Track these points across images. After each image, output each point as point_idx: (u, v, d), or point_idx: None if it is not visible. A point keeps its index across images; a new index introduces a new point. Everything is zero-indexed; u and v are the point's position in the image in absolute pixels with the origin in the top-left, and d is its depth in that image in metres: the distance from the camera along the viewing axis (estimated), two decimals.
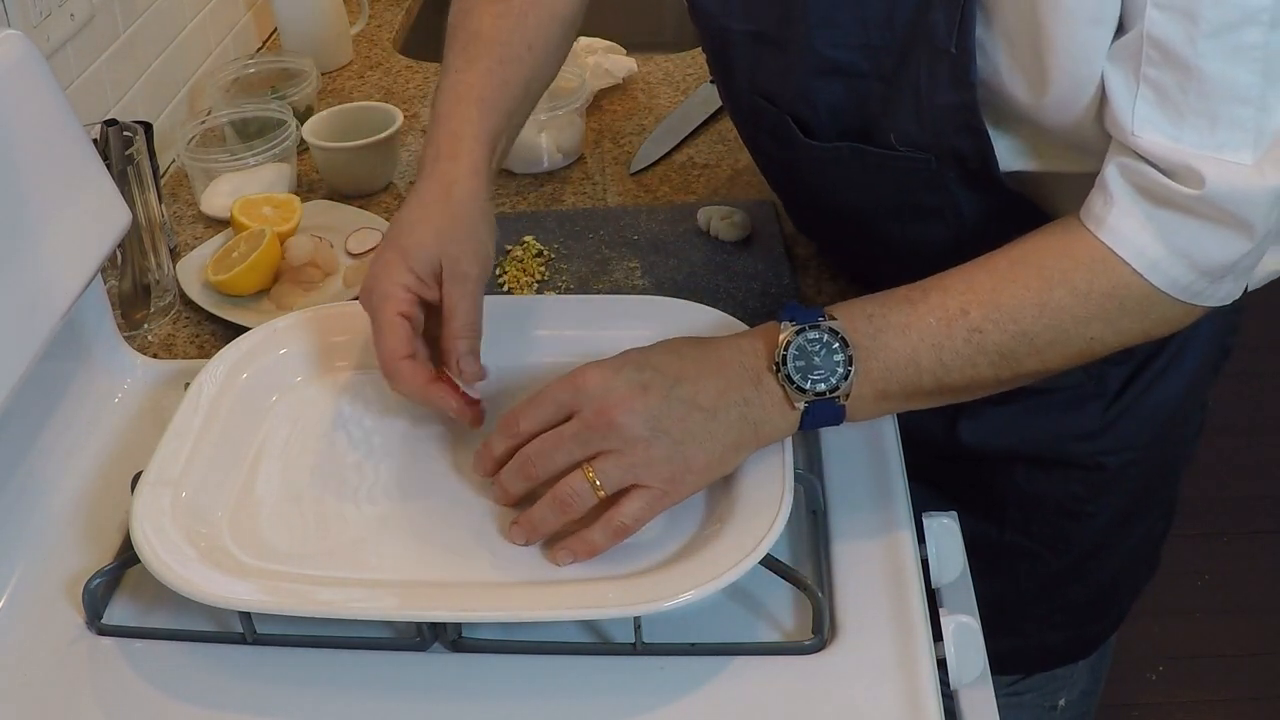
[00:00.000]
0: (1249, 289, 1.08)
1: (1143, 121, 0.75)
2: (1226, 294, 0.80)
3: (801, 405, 0.78)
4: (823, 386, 0.77)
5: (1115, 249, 0.77)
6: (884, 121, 0.89)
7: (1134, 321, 0.79)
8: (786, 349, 0.77)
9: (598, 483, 0.76)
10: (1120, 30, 0.76)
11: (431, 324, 0.87)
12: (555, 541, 0.78)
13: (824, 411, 0.78)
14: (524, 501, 0.81)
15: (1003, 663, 0.84)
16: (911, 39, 0.84)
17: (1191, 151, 0.74)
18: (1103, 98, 0.78)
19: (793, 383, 0.77)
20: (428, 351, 0.87)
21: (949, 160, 0.87)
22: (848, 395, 0.78)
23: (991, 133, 0.85)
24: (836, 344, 0.77)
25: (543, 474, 0.78)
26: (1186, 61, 0.73)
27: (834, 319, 0.78)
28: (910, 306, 0.79)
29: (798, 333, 0.78)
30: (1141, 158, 0.76)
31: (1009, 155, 0.87)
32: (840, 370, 0.77)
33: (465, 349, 0.84)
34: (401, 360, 0.84)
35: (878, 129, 0.89)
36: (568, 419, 0.78)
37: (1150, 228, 0.76)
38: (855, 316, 0.79)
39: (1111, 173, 0.77)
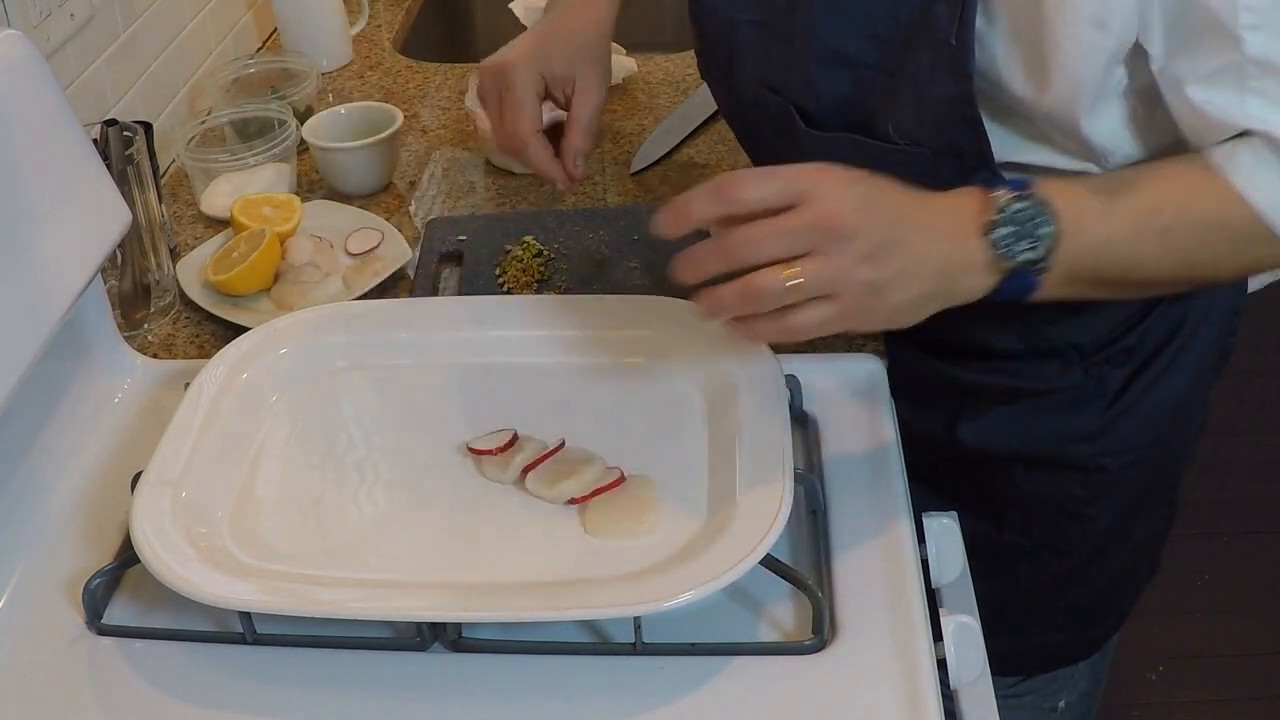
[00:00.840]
0: (1249, 290, 1.08)
1: (1266, 119, 0.78)
2: None
3: (1002, 270, 0.78)
4: (1030, 255, 0.77)
5: (1254, 201, 0.80)
6: (884, 113, 0.89)
7: (1275, 255, 0.84)
8: (999, 214, 0.77)
9: (797, 282, 0.73)
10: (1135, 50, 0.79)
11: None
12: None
13: (1020, 281, 0.78)
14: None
15: (1003, 664, 0.84)
16: (915, 31, 0.84)
17: None
18: (1114, 99, 0.81)
19: (1002, 248, 0.77)
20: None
21: (945, 154, 0.88)
22: (1046, 269, 0.78)
23: (989, 126, 0.86)
24: (1044, 217, 0.77)
25: (749, 260, 0.74)
26: None
27: (1046, 193, 0.78)
28: (1110, 195, 0.80)
29: (1013, 199, 0.78)
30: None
31: (1006, 149, 0.87)
32: (1046, 244, 0.77)
33: (582, 149, 1.00)
34: (535, 134, 0.99)
35: (878, 121, 0.90)
36: (786, 209, 0.74)
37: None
38: (1063, 194, 0.79)
39: (1254, 139, 0.79)
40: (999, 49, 0.82)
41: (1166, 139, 0.86)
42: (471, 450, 0.87)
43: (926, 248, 0.76)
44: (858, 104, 0.90)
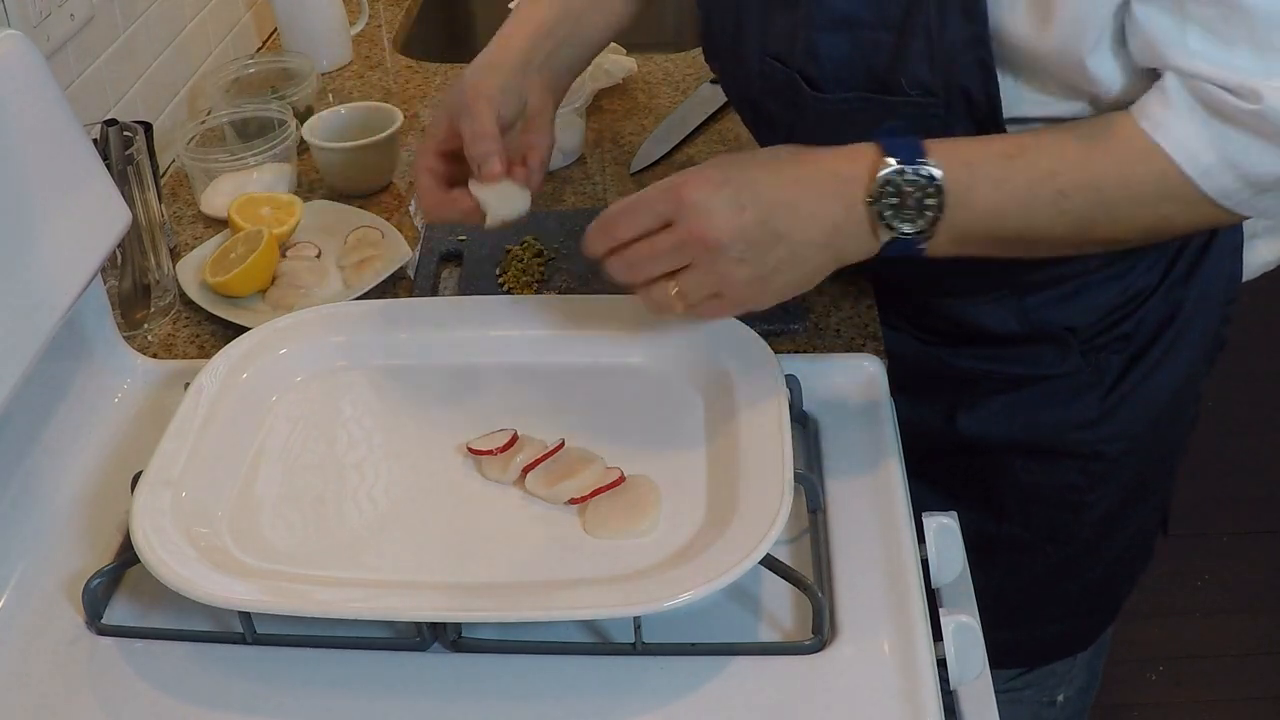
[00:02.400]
0: (1244, 279, 1.09)
1: (1193, 54, 0.77)
2: (1266, 208, 0.82)
3: (886, 238, 0.81)
4: (909, 229, 0.80)
5: (1169, 151, 0.79)
6: (893, 69, 0.89)
7: (1199, 212, 0.82)
8: (885, 186, 0.79)
9: (679, 294, 0.81)
10: None
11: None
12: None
13: (905, 247, 0.81)
14: None
15: (1001, 656, 0.85)
16: None
17: (1245, 72, 0.76)
18: (1118, 38, 0.80)
19: (883, 219, 0.80)
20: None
21: (958, 104, 0.88)
22: (930, 238, 0.81)
23: (1000, 73, 0.86)
24: (932, 189, 0.79)
25: (636, 279, 0.83)
26: None
27: (934, 163, 0.80)
28: (1006, 161, 0.81)
29: (898, 172, 0.79)
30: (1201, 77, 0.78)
31: (1010, 100, 0.88)
32: (930, 215, 0.79)
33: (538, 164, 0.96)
34: (494, 141, 0.92)
35: (887, 78, 0.90)
36: (665, 226, 0.81)
37: (1205, 135, 0.78)
38: (954, 161, 0.80)
39: (1172, 80, 0.79)
40: None
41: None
42: (471, 450, 0.87)
43: (808, 226, 0.80)
44: (862, 64, 0.91)
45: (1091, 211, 0.81)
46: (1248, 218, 0.84)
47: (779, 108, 0.99)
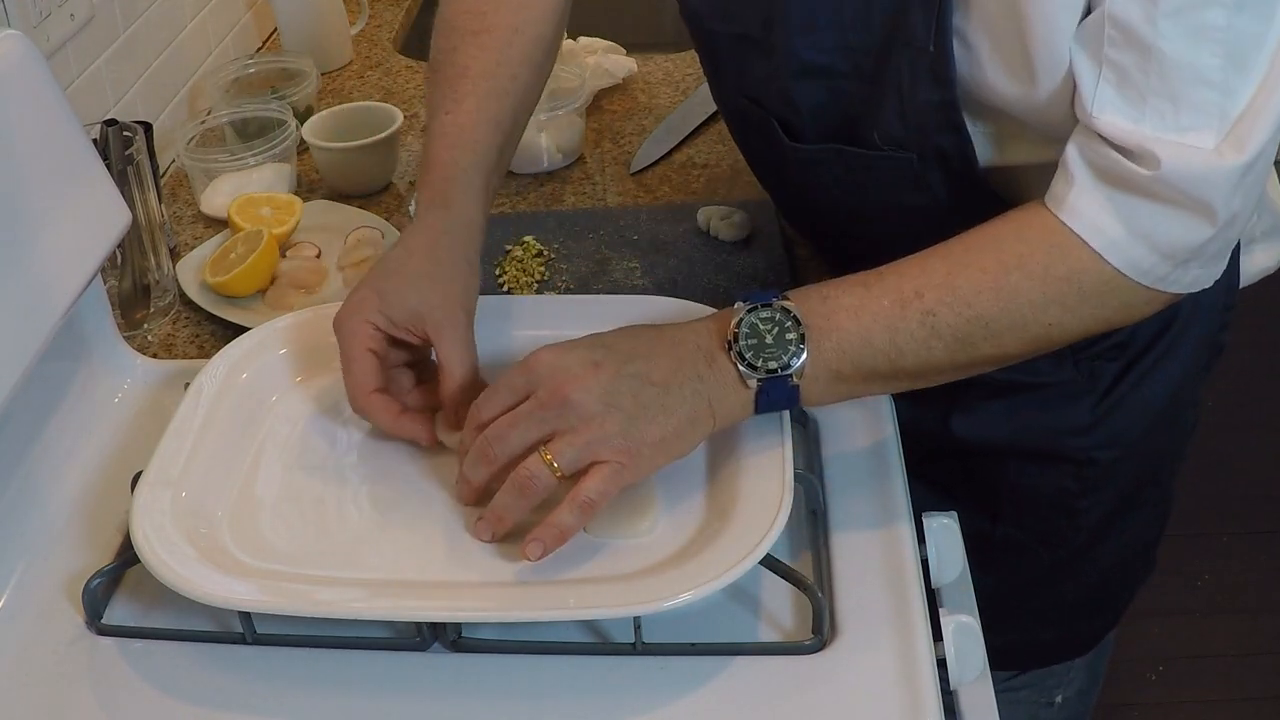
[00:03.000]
0: (1240, 285, 1.08)
1: (1103, 103, 0.75)
2: (1193, 280, 0.79)
3: (754, 383, 0.78)
4: (774, 365, 0.77)
5: (1075, 229, 0.76)
6: (867, 121, 0.89)
7: (1094, 308, 0.79)
8: (739, 327, 0.78)
9: (555, 464, 0.76)
10: (1087, 13, 0.76)
11: (407, 374, 0.89)
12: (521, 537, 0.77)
13: (777, 391, 0.78)
14: (487, 499, 0.80)
15: (997, 658, 0.85)
16: (890, 39, 0.84)
17: (1150, 134, 0.74)
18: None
19: (745, 360, 0.78)
20: (412, 379, 0.89)
21: (931, 159, 0.88)
22: (800, 375, 0.78)
23: (978, 127, 0.86)
24: (789, 323, 0.78)
25: (500, 456, 0.78)
26: (1147, 41, 0.72)
27: (788, 300, 0.79)
28: (865, 289, 0.79)
29: (750, 311, 0.78)
30: (1102, 139, 0.76)
31: (993, 149, 0.87)
32: (792, 349, 0.77)
33: (457, 400, 0.85)
34: (371, 395, 0.85)
35: (861, 129, 0.90)
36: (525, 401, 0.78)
37: (1110, 208, 0.76)
38: (810, 298, 0.79)
39: (1072, 153, 0.77)
40: (982, 49, 0.81)
41: None
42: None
43: (670, 375, 0.77)
44: (838, 114, 0.90)
45: (967, 328, 0.78)
46: (1171, 300, 0.80)
47: (760, 146, 0.99)
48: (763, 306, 0.78)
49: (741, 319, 0.78)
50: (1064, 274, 0.77)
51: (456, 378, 0.85)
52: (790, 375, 0.78)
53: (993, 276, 0.77)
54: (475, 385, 0.85)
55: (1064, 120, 0.81)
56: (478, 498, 0.81)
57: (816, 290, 0.80)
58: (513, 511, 0.78)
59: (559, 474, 0.76)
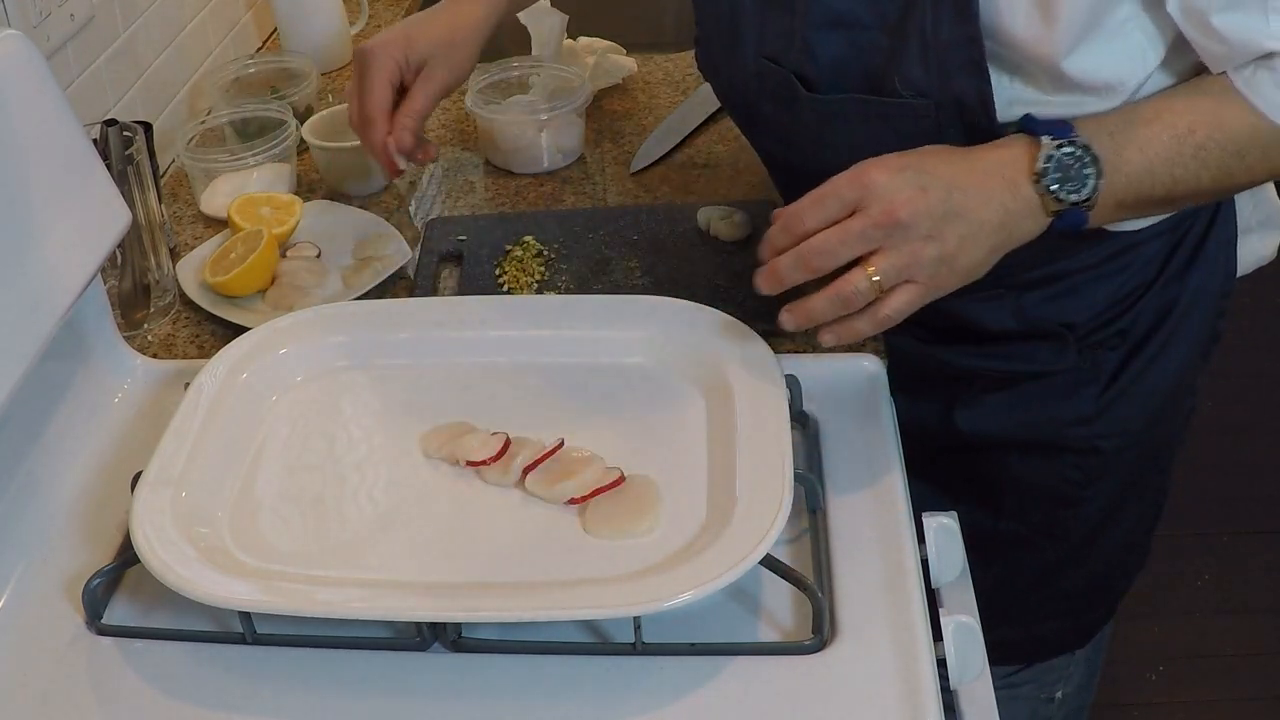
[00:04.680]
0: (1238, 275, 1.09)
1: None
2: None
3: (1053, 212, 0.84)
4: (1075, 198, 0.83)
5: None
6: (887, 69, 0.90)
7: None
8: (1047, 162, 0.83)
9: (876, 278, 0.81)
10: None
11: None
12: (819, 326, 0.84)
13: (1074, 217, 0.84)
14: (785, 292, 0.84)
15: (998, 652, 0.85)
16: None
17: None
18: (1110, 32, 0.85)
19: (1051, 193, 0.83)
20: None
21: (950, 108, 0.89)
22: (1093, 206, 0.84)
23: (994, 77, 0.88)
24: (1089, 159, 0.83)
25: (825, 267, 0.82)
26: None
27: (1083, 135, 0.84)
28: (1146, 126, 0.85)
29: (1057, 146, 0.83)
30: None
31: (1003, 102, 0.89)
32: (1091, 184, 0.83)
33: (410, 125, 1.08)
34: (381, 112, 1.07)
35: (881, 79, 0.91)
36: (849, 216, 0.81)
37: None
38: (1100, 133, 0.85)
39: (1262, 76, 0.84)
40: None
41: (1165, 73, 0.89)
42: (469, 464, 0.87)
43: (983, 208, 0.83)
44: (857, 65, 0.92)
45: (1230, 160, 0.85)
46: None
47: (773, 109, 0.99)
48: (1067, 143, 0.83)
49: (1050, 154, 0.83)
50: None
51: (406, 110, 1.08)
52: (1088, 205, 0.84)
53: (1249, 114, 0.85)
54: (416, 127, 1.09)
55: (1072, 65, 0.86)
56: (781, 287, 0.84)
57: (1101, 124, 0.85)
58: (828, 316, 0.83)
59: (879, 288, 0.81)
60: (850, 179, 0.82)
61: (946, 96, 0.89)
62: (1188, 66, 0.89)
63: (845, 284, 0.81)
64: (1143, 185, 0.85)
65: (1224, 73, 0.85)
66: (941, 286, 0.83)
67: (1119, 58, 0.87)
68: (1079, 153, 0.83)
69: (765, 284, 0.84)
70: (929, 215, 0.80)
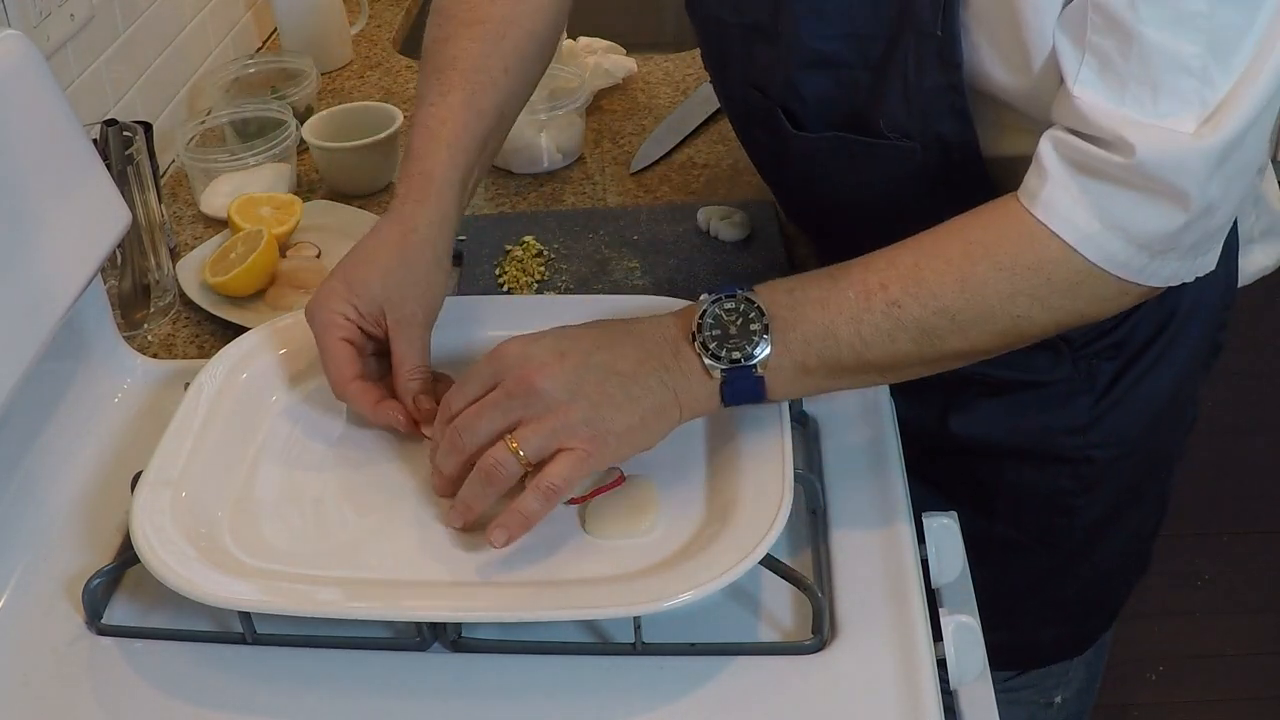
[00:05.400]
0: (1239, 285, 1.09)
1: (1084, 85, 0.75)
2: (1171, 274, 0.78)
3: (719, 374, 0.78)
4: (738, 355, 0.78)
5: (1048, 223, 0.76)
6: (872, 110, 0.90)
7: (1065, 299, 0.78)
8: (703, 317, 0.79)
9: (520, 451, 0.76)
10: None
11: (382, 362, 0.90)
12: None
13: (742, 382, 0.78)
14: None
15: (995, 657, 0.85)
16: (898, 26, 0.85)
17: (1129, 118, 0.73)
18: None
19: (709, 350, 0.78)
20: (384, 366, 0.90)
21: (934, 148, 0.88)
22: (765, 366, 0.78)
23: (979, 116, 0.86)
24: (753, 313, 0.78)
25: (469, 445, 0.78)
26: (1128, 27, 0.72)
27: (753, 292, 0.79)
28: (831, 281, 0.79)
29: (714, 302, 0.79)
30: (1073, 131, 0.76)
31: (992, 141, 0.88)
32: (756, 340, 0.78)
33: (417, 389, 0.87)
34: (351, 382, 0.87)
35: (866, 118, 0.90)
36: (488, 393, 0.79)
37: (1084, 200, 0.75)
38: (775, 291, 0.80)
39: (1045, 147, 0.77)
40: (980, 39, 0.82)
41: None
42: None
43: (636, 366, 0.78)
44: (843, 104, 0.91)
45: (933, 320, 0.77)
46: (1147, 294, 0.79)
47: (763, 136, 0.99)
48: (727, 298, 0.79)
49: (706, 310, 0.79)
50: (1032, 264, 0.76)
51: (403, 375, 0.87)
52: (754, 366, 0.78)
53: (958, 267, 0.77)
54: (425, 384, 0.87)
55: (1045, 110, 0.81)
56: (453, 489, 0.81)
57: (784, 284, 0.80)
58: (480, 499, 0.78)
59: (525, 461, 0.77)
60: (487, 358, 0.80)
61: (930, 138, 0.88)
62: None
63: (486, 459, 0.77)
64: (825, 347, 0.78)
65: (999, 200, 0.78)
66: (603, 449, 0.77)
67: None
68: (741, 307, 0.78)
69: (435, 487, 0.82)
70: (566, 378, 0.77)
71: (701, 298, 0.80)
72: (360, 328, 0.87)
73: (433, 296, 0.89)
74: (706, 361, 0.78)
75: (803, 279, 0.81)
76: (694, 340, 0.79)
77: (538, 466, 0.77)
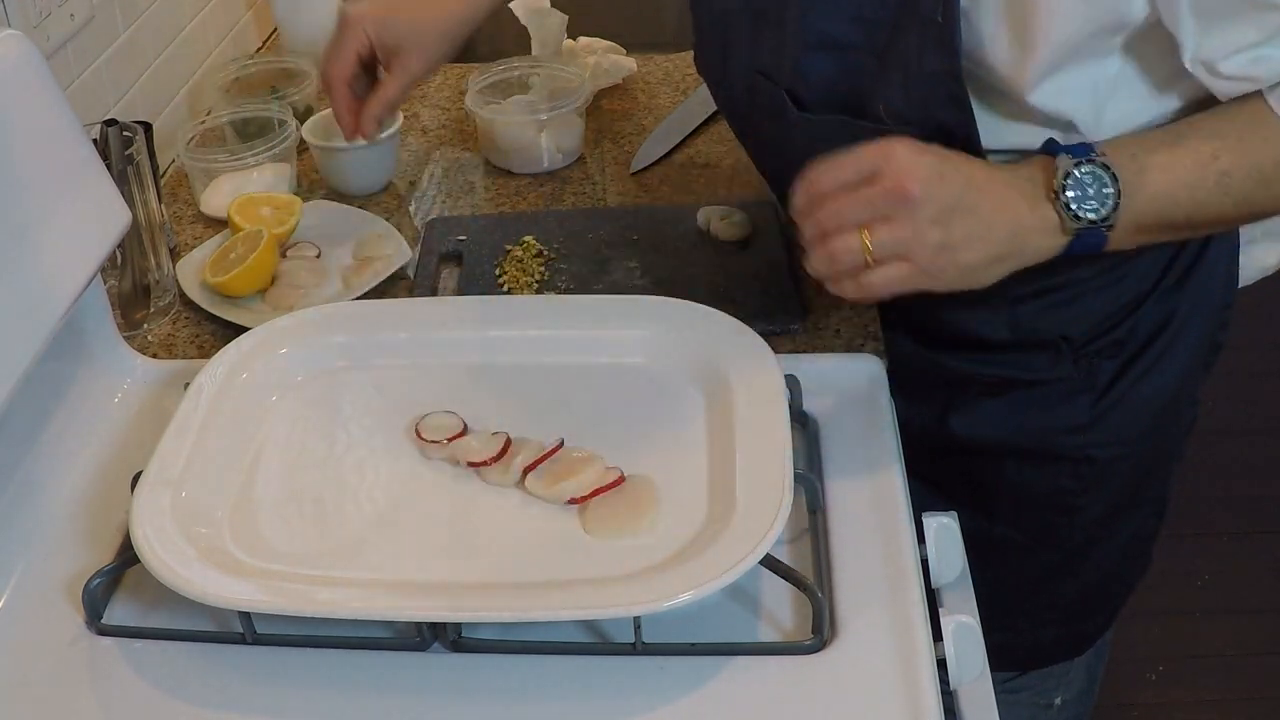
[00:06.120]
0: (1239, 284, 1.09)
1: None
2: None
3: (1073, 231, 0.83)
4: (1094, 216, 0.83)
5: None
6: (874, 95, 0.91)
7: None
8: (1066, 179, 0.83)
9: (869, 246, 0.80)
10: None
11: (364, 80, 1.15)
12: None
13: (1091, 238, 0.84)
14: None
15: (995, 658, 0.85)
16: (902, 11, 0.87)
17: None
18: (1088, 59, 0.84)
19: (1069, 210, 0.83)
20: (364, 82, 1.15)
21: (934, 134, 0.88)
22: (1112, 226, 0.83)
23: (975, 108, 0.88)
24: (1108, 178, 0.83)
25: (831, 228, 0.82)
26: None
27: (1105, 155, 0.84)
28: (1169, 149, 0.85)
29: (1076, 165, 0.83)
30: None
31: (988, 131, 0.89)
32: (1110, 202, 0.83)
33: (378, 115, 1.15)
34: (341, 83, 1.12)
35: (868, 102, 0.92)
36: (864, 183, 0.81)
37: None
38: (1121, 154, 0.84)
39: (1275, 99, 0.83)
40: (985, 23, 0.85)
41: (1140, 107, 0.89)
42: (469, 464, 0.87)
43: (995, 213, 0.83)
44: (846, 87, 0.92)
45: (1253, 189, 0.84)
46: None
47: (766, 123, 1.00)
48: (1085, 161, 0.83)
49: (1068, 171, 0.83)
50: None
51: (377, 101, 1.14)
52: (1106, 226, 0.83)
53: (1275, 144, 0.84)
54: (386, 112, 1.16)
55: (1049, 95, 0.86)
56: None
57: (1124, 146, 0.85)
58: (821, 270, 0.83)
59: (871, 256, 0.81)
60: (874, 148, 0.82)
61: (929, 125, 0.89)
62: (1169, 110, 0.89)
63: (837, 243, 0.81)
64: (1163, 209, 0.85)
65: (1259, 96, 0.84)
66: (936, 276, 0.82)
67: (1083, 95, 0.87)
68: (1098, 171, 0.83)
69: (806, 256, 0.85)
70: (940, 200, 0.80)
71: (1060, 158, 0.83)
72: (373, 53, 1.11)
73: (434, 65, 1.15)
74: (1066, 219, 0.83)
75: (1141, 141, 0.86)
76: (1056, 199, 0.83)
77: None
